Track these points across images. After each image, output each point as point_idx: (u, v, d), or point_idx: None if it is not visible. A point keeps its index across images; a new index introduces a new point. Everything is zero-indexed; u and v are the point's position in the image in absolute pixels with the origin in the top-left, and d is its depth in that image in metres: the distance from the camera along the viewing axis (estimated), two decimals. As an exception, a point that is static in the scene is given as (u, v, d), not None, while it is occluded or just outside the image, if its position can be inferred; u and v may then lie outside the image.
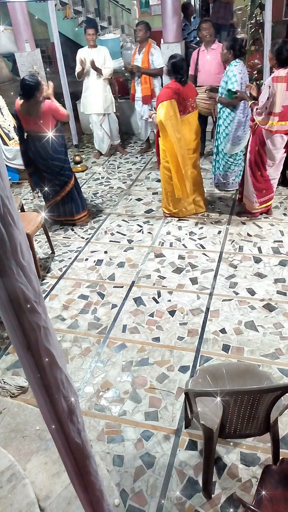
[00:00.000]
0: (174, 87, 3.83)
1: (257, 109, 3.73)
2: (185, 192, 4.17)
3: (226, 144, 4.29)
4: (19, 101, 3.94)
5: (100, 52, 5.60)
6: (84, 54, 5.60)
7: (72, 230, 4.49)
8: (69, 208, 4.44)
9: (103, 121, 5.99)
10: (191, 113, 4.03)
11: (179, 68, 3.85)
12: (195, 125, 4.12)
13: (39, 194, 4.72)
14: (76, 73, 5.74)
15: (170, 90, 3.83)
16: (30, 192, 5.33)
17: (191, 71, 5.33)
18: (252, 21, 6.07)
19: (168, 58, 4.01)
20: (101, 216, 4.70)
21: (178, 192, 4.16)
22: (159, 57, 5.49)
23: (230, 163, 4.49)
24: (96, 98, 5.78)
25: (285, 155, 3.97)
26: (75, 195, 4.42)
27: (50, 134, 4.00)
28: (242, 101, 4.02)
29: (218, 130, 4.45)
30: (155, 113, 3.99)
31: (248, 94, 3.88)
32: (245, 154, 4.19)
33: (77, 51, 5.80)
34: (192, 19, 7.47)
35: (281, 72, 3.55)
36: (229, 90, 4.03)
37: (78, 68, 5.68)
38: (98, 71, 5.56)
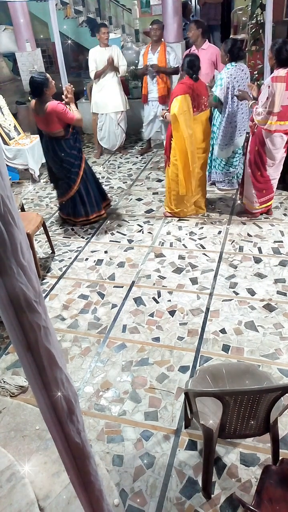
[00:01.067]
0: (188, 83, 3.86)
1: (256, 108, 3.74)
2: (190, 190, 4.16)
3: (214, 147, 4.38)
4: (33, 100, 3.93)
5: (113, 51, 5.64)
6: (97, 54, 5.61)
7: (73, 230, 4.49)
8: (73, 210, 4.42)
9: (121, 119, 6.06)
10: (203, 112, 4.03)
11: (192, 65, 3.88)
12: (206, 125, 4.12)
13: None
14: (93, 74, 5.71)
15: (184, 85, 3.85)
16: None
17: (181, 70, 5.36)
18: (252, 21, 6.07)
19: (184, 56, 4.04)
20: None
21: (183, 190, 4.14)
22: (175, 57, 5.50)
23: (224, 164, 4.54)
24: (114, 97, 5.84)
25: (285, 154, 3.98)
26: (77, 200, 4.32)
27: (57, 135, 3.95)
28: (227, 109, 4.13)
29: (213, 130, 4.51)
30: (168, 112, 4.01)
31: (250, 95, 3.90)
32: (244, 154, 4.20)
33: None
34: (191, 18, 7.48)
35: (280, 72, 3.55)
36: (210, 94, 4.14)
37: (93, 68, 5.66)
38: (115, 68, 5.62)
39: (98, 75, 5.72)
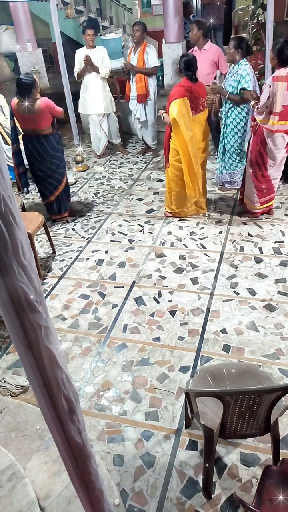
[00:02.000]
0: (186, 85, 3.83)
1: (258, 108, 3.74)
2: (197, 190, 4.14)
3: (241, 142, 4.30)
4: (15, 100, 3.98)
5: (98, 52, 5.61)
6: (82, 54, 5.60)
7: (73, 229, 4.49)
8: (57, 206, 4.57)
9: (103, 121, 5.99)
10: (201, 112, 4.03)
11: (190, 66, 3.86)
12: (204, 124, 4.12)
13: (25, 195, 4.87)
14: (75, 74, 5.73)
15: (182, 88, 3.83)
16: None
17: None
18: (254, 21, 6.06)
19: (180, 56, 4.02)
20: (102, 216, 4.71)
21: (190, 192, 4.12)
22: (153, 56, 5.50)
23: (237, 162, 4.48)
24: (96, 98, 5.79)
25: (286, 155, 3.97)
26: (63, 196, 4.53)
27: (45, 132, 4.09)
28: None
29: (225, 130, 4.45)
30: (166, 113, 3.99)
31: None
32: (246, 154, 4.19)
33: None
34: (191, 18, 7.47)
35: (281, 72, 3.55)
36: (242, 89, 4.03)
37: (77, 68, 5.67)
38: (94, 68, 5.57)
39: (79, 75, 5.73)
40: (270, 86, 3.58)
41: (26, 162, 4.42)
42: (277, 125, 3.68)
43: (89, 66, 5.53)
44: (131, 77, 5.67)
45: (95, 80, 5.70)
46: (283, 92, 3.54)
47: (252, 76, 4.02)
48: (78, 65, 5.65)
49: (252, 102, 3.86)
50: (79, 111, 6.17)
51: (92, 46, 5.59)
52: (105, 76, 5.66)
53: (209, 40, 5.17)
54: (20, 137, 4.37)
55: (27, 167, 4.47)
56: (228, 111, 4.31)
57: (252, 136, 3.98)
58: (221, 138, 4.52)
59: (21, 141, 4.36)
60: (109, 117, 6.01)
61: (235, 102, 4.15)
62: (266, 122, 3.73)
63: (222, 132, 4.47)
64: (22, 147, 4.36)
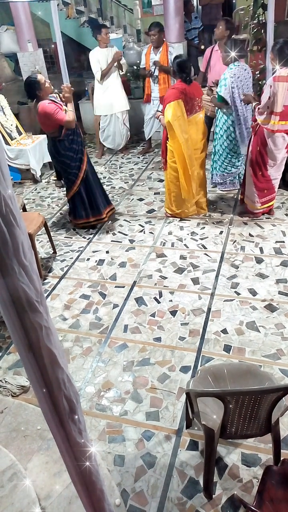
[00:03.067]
0: (180, 88, 3.83)
1: (258, 108, 3.74)
2: (191, 193, 4.17)
3: (232, 147, 4.34)
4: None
5: (112, 51, 5.66)
6: (99, 55, 5.62)
7: (74, 230, 4.49)
8: (73, 210, 4.43)
9: (126, 118, 6.11)
10: (198, 113, 4.04)
11: (184, 67, 3.86)
12: (201, 125, 4.12)
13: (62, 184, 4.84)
14: (99, 75, 5.69)
15: (176, 90, 3.83)
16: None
17: (202, 68, 5.35)
18: (254, 21, 6.06)
19: (173, 58, 4.01)
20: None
21: (185, 193, 4.15)
22: None
23: (226, 164, 4.52)
24: (119, 97, 5.90)
25: (286, 155, 3.97)
26: (77, 202, 4.29)
27: (51, 135, 3.96)
28: (239, 105, 4.11)
29: (215, 131, 4.49)
30: (162, 115, 4.00)
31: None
32: (246, 155, 4.20)
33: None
34: (193, 19, 7.46)
35: (282, 72, 3.55)
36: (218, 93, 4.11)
37: (98, 69, 5.65)
38: (120, 67, 5.69)
39: (104, 75, 5.72)
40: (270, 86, 3.58)
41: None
42: (278, 125, 3.69)
43: (116, 64, 5.64)
44: (153, 79, 5.62)
45: (114, 79, 5.80)
46: (283, 92, 3.55)
47: (231, 82, 4.04)
48: (99, 66, 5.65)
49: (254, 103, 3.87)
50: (96, 113, 6.14)
51: (106, 45, 5.63)
52: (125, 72, 5.85)
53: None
54: None
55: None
56: (217, 113, 4.39)
57: (253, 136, 3.98)
58: (214, 139, 4.56)
59: None
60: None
61: (216, 106, 4.26)
62: (267, 122, 3.73)
63: (214, 134, 4.51)
64: None
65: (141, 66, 5.82)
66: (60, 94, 3.96)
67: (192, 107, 3.95)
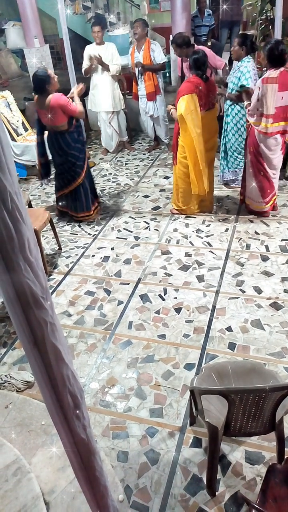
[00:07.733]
0: (195, 81, 3.78)
1: (248, 110, 3.68)
2: (202, 188, 4.08)
3: (242, 140, 4.28)
4: (35, 95, 3.98)
5: (107, 49, 5.57)
6: (91, 51, 5.57)
7: (79, 226, 4.50)
8: (74, 204, 4.46)
9: (112, 119, 5.98)
10: (211, 110, 3.99)
11: (200, 64, 3.78)
12: (214, 122, 4.08)
13: (43, 185, 4.84)
14: (83, 70, 5.70)
15: (191, 84, 3.77)
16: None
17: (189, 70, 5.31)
18: (262, 17, 6.02)
19: (191, 54, 3.94)
20: (108, 212, 4.71)
21: (195, 188, 4.09)
22: (160, 53, 5.47)
23: (239, 160, 4.46)
24: (105, 96, 5.77)
25: (282, 156, 3.91)
26: (80, 193, 4.38)
27: (60, 128, 4.00)
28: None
29: (226, 128, 4.42)
30: (174, 108, 3.96)
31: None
32: (245, 155, 4.16)
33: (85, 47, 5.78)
34: (206, 16, 7.35)
35: (272, 73, 3.46)
36: (241, 86, 4.00)
37: (85, 65, 5.65)
38: (105, 67, 5.54)
39: (86, 72, 5.70)
40: (259, 88, 3.50)
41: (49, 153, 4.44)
42: (271, 127, 3.61)
43: (100, 65, 5.51)
44: (138, 76, 5.62)
45: (103, 77, 5.68)
46: (274, 94, 3.44)
47: (253, 74, 3.98)
48: (87, 62, 5.63)
49: (246, 102, 3.80)
50: (88, 107, 6.15)
51: (100, 43, 5.57)
52: (115, 73, 5.62)
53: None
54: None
55: (50, 157, 4.48)
56: (228, 109, 4.29)
57: (247, 137, 3.94)
58: (222, 137, 4.50)
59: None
60: (119, 115, 6.01)
61: (234, 100, 4.13)
62: (258, 124, 3.67)
63: (223, 131, 4.45)
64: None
65: (129, 66, 5.80)
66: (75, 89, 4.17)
67: (206, 103, 3.89)
